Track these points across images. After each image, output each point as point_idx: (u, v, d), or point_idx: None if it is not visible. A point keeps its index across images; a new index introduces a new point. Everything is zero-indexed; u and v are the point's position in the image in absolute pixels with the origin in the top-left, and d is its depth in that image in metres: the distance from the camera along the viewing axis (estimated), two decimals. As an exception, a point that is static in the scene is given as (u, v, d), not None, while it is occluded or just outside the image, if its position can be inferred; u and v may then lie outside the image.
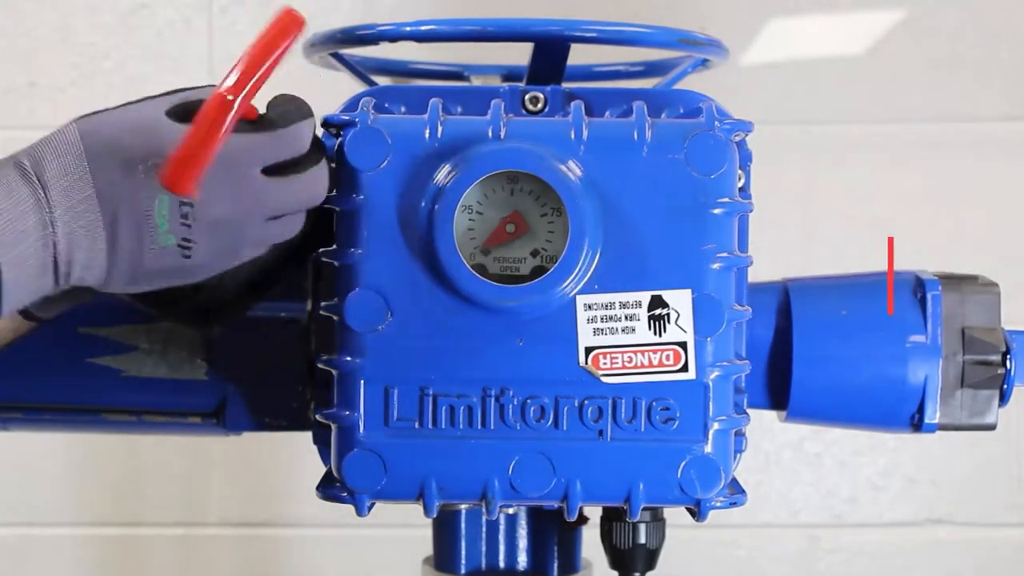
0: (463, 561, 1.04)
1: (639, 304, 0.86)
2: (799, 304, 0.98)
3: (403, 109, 0.91)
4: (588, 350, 0.86)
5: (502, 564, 1.04)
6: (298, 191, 0.83)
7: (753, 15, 1.68)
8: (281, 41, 0.80)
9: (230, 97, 0.78)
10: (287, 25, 0.80)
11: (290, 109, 0.84)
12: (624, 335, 0.86)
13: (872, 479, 1.70)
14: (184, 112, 0.81)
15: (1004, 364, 0.97)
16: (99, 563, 1.71)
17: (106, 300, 0.99)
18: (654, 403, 0.86)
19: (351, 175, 0.86)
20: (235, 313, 0.88)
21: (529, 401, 0.86)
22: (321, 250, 0.89)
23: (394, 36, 0.92)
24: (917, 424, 0.98)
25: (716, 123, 0.87)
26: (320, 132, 0.86)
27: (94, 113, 0.82)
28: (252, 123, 0.83)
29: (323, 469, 0.91)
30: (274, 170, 0.82)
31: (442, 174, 0.85)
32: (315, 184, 0.84)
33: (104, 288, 0.82)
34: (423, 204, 0.85)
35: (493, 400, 0.86)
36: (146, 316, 0.98)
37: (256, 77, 0.79)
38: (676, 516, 0.94)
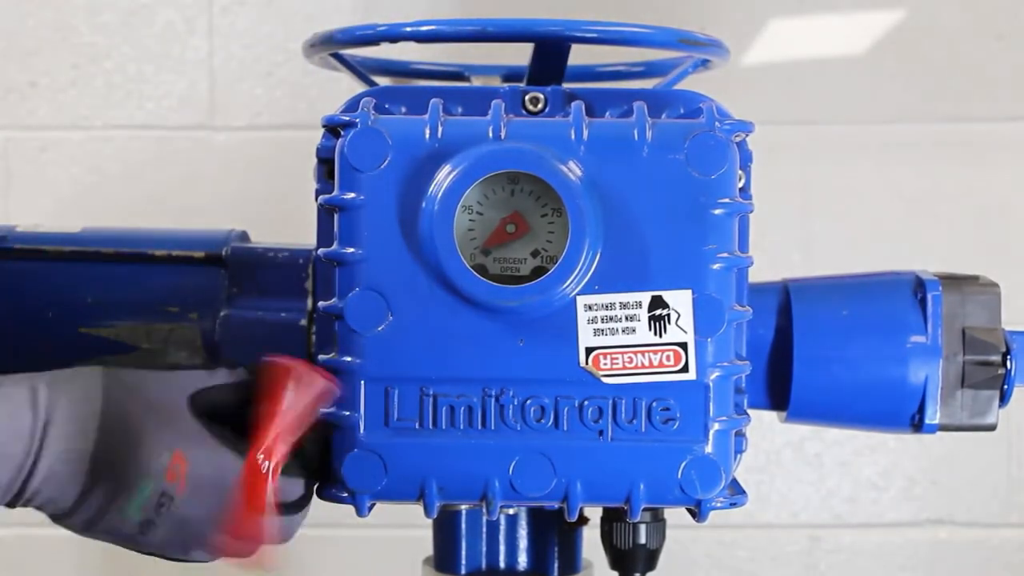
0: (463, 562, 1.04)
1: (639, 304, 0.86)
2: (799, 304, 0.98)
3: (403, 109, 0.91)
4: (588, 350, 0.86)
5: (502, 564, 1.04)
6: (270, 527, 0.85)
7: (753, 15, 1.68)
8: (314, 409, 0.84)
9: (264, 462, 0.82)
10: (322, 395, 0.84)
11: (297, 464, 0.87)
12: (624, 335, 0.86)
13: (872, 479, 1.70)
14: (205, 404, 0.85)
15: (1004, 364, 0.97)
16: (99, 563, 1.71)
17: (107, 300, 0.99)
18: (654, 403, 0.86)
19: (351, 175, 0.86)
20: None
21: (529, 401, 0.86)
22: (321, 250, 0.89)
23: (394, 36, 0.92)
24: (917, 425, 0.98)
25: (716, 123, 0.87)
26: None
27: (124, 367, 0.85)
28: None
29: (323, 469, 0.91)
30: None
31: (442, 174, 0.85)
32: (288, 529, 0.87)
33: (57, 521, 0.84)
34: (423, 204, 0.85)
35: (493, 400, 0.86)
36: (148, 316, 0.98)
37: (286, 439, 0.83)
38: (677, 516, 0.94)
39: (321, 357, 0.89)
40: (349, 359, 0.86)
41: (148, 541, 0.85)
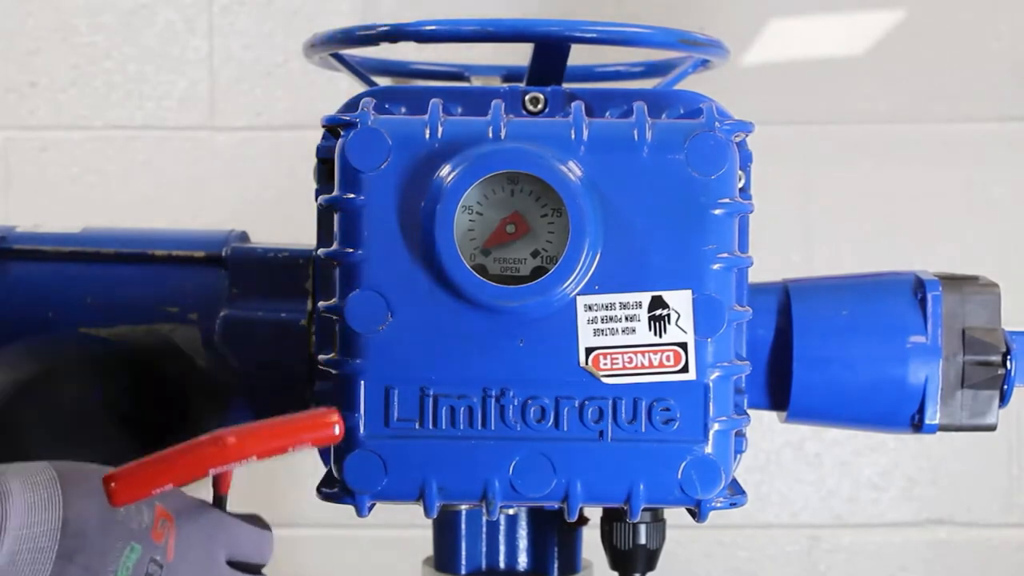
0: (463, 562, 1.04)
1: (639, 305, 0.86)
2: (799, 304, 0.98)
3: (403, 110, 0.91)
4: (588, 351, 0.86)
5: (502, 565, 1.04)
6: None
7: (753, 15, 1.68)
8: (309, 437, 0.81)
9: (232, 440, 0.76)
10: (322, 429, 0.81)
11: (265, 524, 0.87)
12: (624, 336, 0.86)
13: (872, 479, 1.70)
14: None
15: (1004, 365, 0.97)
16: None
17: (107, 300, 0.99)
18: (654, 404, 0.86)
19: (351, 175, 0.86)
20: None
21: (529, 402, 0.86)
22: (321, 250, 0.89)
23: (394, 36, 0.92)
24: (917, 425, 0.98)
25: (716, 123, 0.87)
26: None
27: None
28: (242, 515, 0.85)
29: (323, 469, 0.91)
30: (235, 565, 0.84)
31: (442, 174, 0.85)
32: None
33: None
34: (423, 205, 0.85)
35: (493, 401, 0.86)
36: (148, 316, 0.98)
37: (265, 446, 0.78)
38: (676, 516, 0.94)
39: (321, 357, 0.89)
40: (349, 359, 0.86)
41: None
